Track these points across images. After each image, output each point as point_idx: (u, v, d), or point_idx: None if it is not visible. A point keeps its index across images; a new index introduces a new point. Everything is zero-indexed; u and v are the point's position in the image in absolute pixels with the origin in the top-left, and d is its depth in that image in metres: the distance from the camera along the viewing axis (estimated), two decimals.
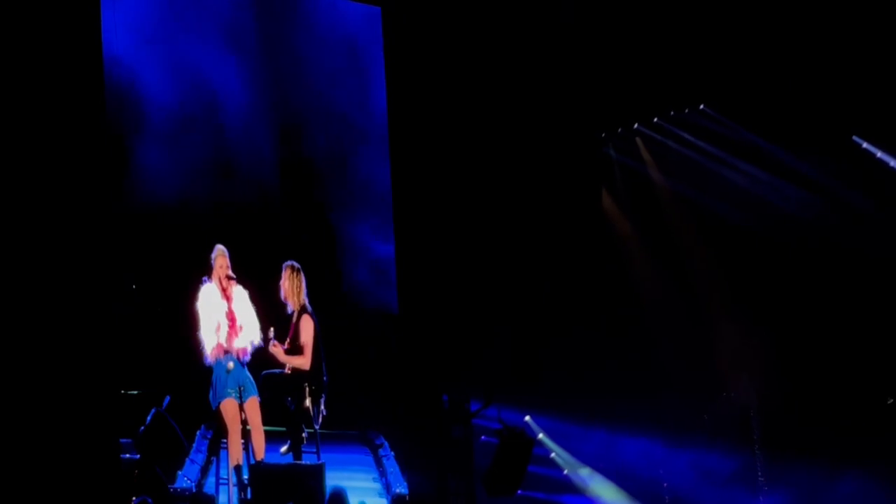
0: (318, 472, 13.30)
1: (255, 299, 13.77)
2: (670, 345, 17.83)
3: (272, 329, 13.78)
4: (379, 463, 16.07)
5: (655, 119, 18.28)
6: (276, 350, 13.81)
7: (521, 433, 14.93)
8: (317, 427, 13.98)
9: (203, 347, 13.41)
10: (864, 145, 16.74)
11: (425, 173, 16.57)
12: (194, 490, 13.84)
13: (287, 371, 13.99)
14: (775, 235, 17.22)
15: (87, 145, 12.97)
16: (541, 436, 17.78)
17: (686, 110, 17.92)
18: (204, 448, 14.92)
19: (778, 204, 17.33)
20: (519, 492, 15.27)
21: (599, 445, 17.84)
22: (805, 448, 16.59)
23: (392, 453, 16.09)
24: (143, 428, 13.72)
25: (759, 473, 17.34)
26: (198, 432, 15.15)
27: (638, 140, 18.72)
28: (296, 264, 14.07)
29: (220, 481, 13.64)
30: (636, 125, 18.48)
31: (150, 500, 11.83)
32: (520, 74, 17.16)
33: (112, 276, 13.34)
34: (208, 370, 13.49)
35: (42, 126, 12.66)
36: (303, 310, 13.95)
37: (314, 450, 14.02)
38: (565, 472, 18.12)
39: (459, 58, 16.85)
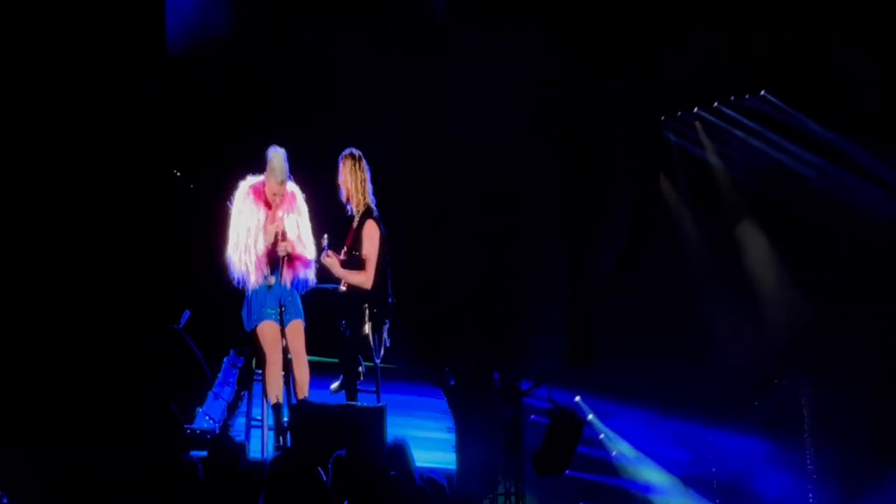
0: (376, 417, 7.74)
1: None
2: (723, 331, 13.76)
3: (326, 236, 7.95)
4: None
5: (716, 104, 13.91)
6: (331, 261, 8.04)
7: (571, 413, 11.12)
8: (378, 361, 8.31)
9: (231, 265, 7.71)
10: None
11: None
12: (218, 432, 7.64)
13: (342, 288, 7.74)
14: (831, 223, 13.34)
15: None
16: (590, 416, 13.93)
17: (747, 96, 13.65)
18: (232, 380, 8.48)
19: (834, 193, 13.29)
20: (567, 472, 11.37)
21: (648, 429, 14.12)
22: (856, 438, 13.09)
23: None
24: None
25: (809, 461, 13.52)
26: (225, 360, 8.60)
27: (697, 124, 14.32)
28: (356, 152, 8.03)
29: (253, 423, 8.07)
30: (696, 109, 14.02)
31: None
32: (581, 56, 12.92)
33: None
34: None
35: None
36: (367, 213, 7.95)
37: (373, 389, 8.37)
38: (614, 453, 14.27)
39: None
